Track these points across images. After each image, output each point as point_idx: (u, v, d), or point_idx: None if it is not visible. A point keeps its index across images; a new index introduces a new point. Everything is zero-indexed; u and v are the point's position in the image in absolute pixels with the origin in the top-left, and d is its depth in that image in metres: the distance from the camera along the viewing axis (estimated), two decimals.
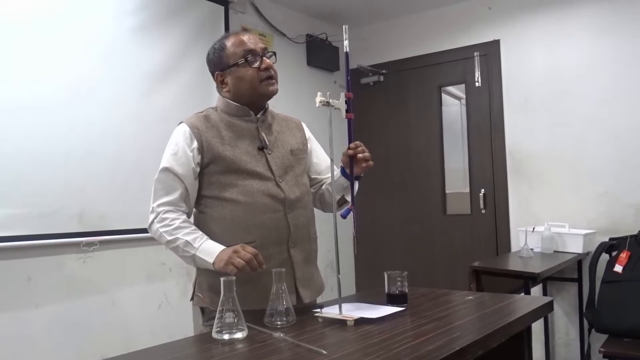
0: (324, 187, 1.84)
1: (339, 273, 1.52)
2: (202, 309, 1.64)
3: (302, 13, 4.02)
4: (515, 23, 3.70)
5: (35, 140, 2.43)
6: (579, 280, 3.41)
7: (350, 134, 1.60)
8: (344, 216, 1.56)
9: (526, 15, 3.66)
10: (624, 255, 2.94)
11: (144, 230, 1.65)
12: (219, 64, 1.67)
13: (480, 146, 3.85)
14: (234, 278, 1.32)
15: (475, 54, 3.82)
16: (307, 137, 1.83)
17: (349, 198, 1.77)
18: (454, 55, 3.95)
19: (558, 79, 3.54)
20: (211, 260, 1.50)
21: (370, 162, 1.62)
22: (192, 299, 1.68)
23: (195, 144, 1.60)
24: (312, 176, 1.83)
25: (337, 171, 1.70)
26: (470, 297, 1.72)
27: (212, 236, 1.57)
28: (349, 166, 1.62)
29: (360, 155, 1.60)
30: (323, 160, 1.86)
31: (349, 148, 1.61)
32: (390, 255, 4.22)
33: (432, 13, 4.04)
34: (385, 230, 4.25)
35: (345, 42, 1.55)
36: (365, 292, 1.92)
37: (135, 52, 2.83)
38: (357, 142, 1.62)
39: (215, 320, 1.30)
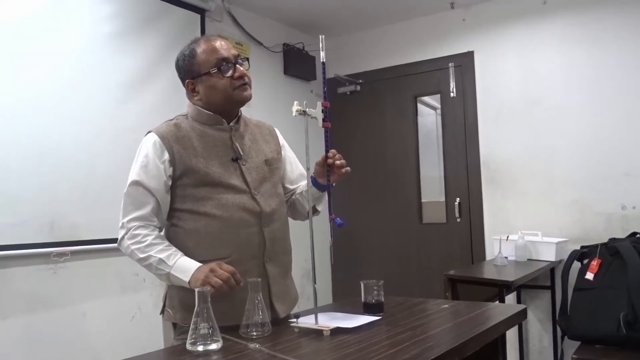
0: (294, 196, 1.82)
1: (315, 283, 1.52)
2: (174, 323, 1.60)
3: (279, 22, 4.03)
4: (489, 34, 3.77)
5: (5, 148, 2.38)
6: (552, 287, 3.46)
7: (327, 143, 1.60)
8: (339, 225, 1.55)
9: (500, 26, 3.73)
10: (595, 263, 3.00)
11: (117, 240, 1.62)
12: (190, 72, 1.62)
13: (456, 155, 3.90)
14: (208, 288, 1.31)
15: (450, 64, 3.88)
16: (281, 144, 1.81)
17: (320, 207, 1.78)
18: (429, 65, 4.00)
19: (531, 90, 3.61)
20: (186, 279, 1.47)
21: (347, 168, 1.63)
22: (162, 312, 1.63)
23: (166, 156, 1.56)
24: (285, 185, 1.82)
25: (306, 181, 1.70)
26: (445, 306, 1.73)
27: (186, 250, 1.54)
28: (327, 175, 1.62)
29: (337, 162, 1.61)
30: (295, 169, 1.84)
31: (327, 157, 1.61)
32: (366, 264, 4.22)
33: (408, 24, 4.09)
34: (362, 240, 4.25)
35: (322, 52, 1.56)
36: (342, 302, 1.92)
37: (110, 60, 2.80)
38: (333, 151, 1.62)
39: (190, 332, 1.28)
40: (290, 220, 1.81)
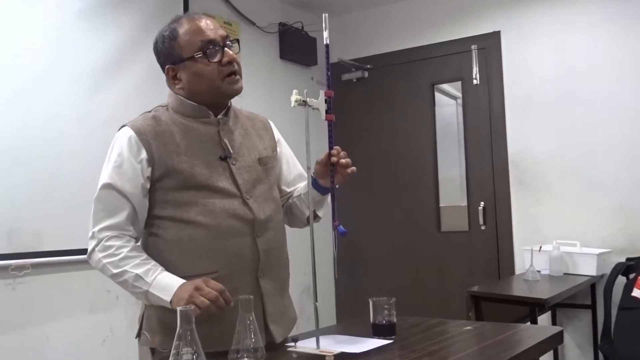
0: (291, 200, 1.82)
1: (316, 300, 1.52)
2: (152, 348, 1.59)
3: None
4: (518, 12, 3.76)
5: None
6: (593, 306, 3.45)
7: (330, 138, 1.60)
8: (342, 233, 1.55)
9: (531, 2, 3.73)
10: None
11: (86, 252, 1.62)
12: (170, 56, 1.61)
13: (479, 153, 3.89)
14: (192, 306, 1.31)
15: (473, 47, 3.87)
16: (276, 139, 1.81)
17: (321, 213, 1.78)
18: (448, 48, 3.99)
19: (567, 77, 3.61)
20: (168, 298, 1.46)
21: (353, 168, 1.63)
22: (138, 335, 1.62)
23: (143, 154, 1.55)
24: (280, 187, 1.81)
25: (305, 182, 1.69)
26: (468, 328, 1.73)
27: (166, 264, 1.53)
28: (330, 175, 1.62)
29: (342, 160, 1.61)
30: (293, 169, 1.84)
31: (330, 154, 1.61)
32: (376, 279, 4.22)
33: (424, 0, 4.09)
34: (371, 251, 4.25)
35: (325, 33, 1.56)
36: (347, 322, 1.92)
37: (80, 42, 2.80)
38: (338, 148, 1.62)
39: (170, 358, 1.28)
40: (286, 228, 1.80)
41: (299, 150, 1.86)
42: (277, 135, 1.83)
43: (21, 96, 2.59)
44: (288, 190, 1.83)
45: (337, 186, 1.66)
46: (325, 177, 1.66)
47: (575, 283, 3.05)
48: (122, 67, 2.97)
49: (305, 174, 1.70)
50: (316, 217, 1.75)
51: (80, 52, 2.81)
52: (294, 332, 1.72)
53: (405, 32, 4.16)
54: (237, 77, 1.62)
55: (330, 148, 1.62)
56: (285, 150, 1.84)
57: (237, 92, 1.64)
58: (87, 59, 2.83)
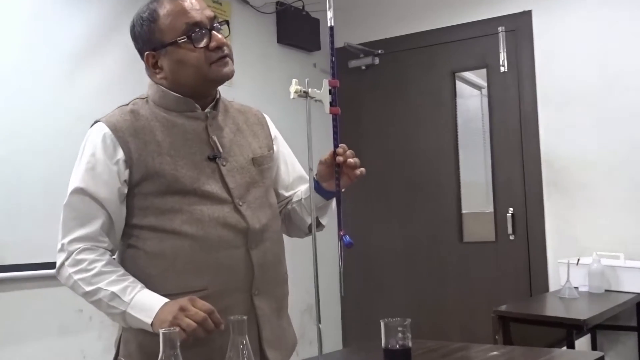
0: (290, 205, 1.82)
1: (319, 322, 1.52)
2: None
3: None
4: None
5: None
6: (639, 329, 3.45)
7: (335, 135, 1.61)
8: (347, 245, 1.55)
9: None
10: None
11: (55, 266, 1.62)
12: (150, 41, 1.61)
13: (508, 151, 3.89)
14: (177, 329, 1.31)
15: (500, 29, 3.87)
16: (272, 136, 1.81)
17: (325, 221, 1.78)
18: (472, 30, 4.00)
19: (610, 63, 3.59)
20: (148, 320, 1.47)
21: (362, 170, 1.63)
22: None
23: (120, 154, 1.56)
24: (278, 191, 1.82)
25: (307, 185, 1.70)
26: (495, 353, 1.73)
27: (147, 281, 1.54)
28: (335, 178, 1.62)
29: (350, 160, 1.61)
30: (292, 170, 1.85)
31: (336, 153, 1.62)
32: (388, 297, 4.22)
33: None
34: (382, 264, 4.25)
35: (329, 13, 1.56)
36: (355, 347, 1.92)
37: (47, 25, 2.81)
38: (344, 146, 1.63)
39: None
40: (285, 238, 1.81)
41: (299, 148, 1.87)
42: (274, 131, 1.84)
43: None
44: (287, 194, 1.83)
45: (343, 190, 1.66)
46: (329, 179, 1.67)
47: (619, 302, 3.04)
48: (96, 54, 2.98)
49: (307, 176, 1.71)
50: (319, 226, 1.76)
51: (48, 36, 2.82)
52: (294, 358, 1.72)
53: (421, 12, 4.16)
54: (227, 59, 1.62)
55: (336, 146, 1.62)
56: (283, 149, 1.84)
57: (228, 76, 1.63)
58: (54, 45, 2.84)
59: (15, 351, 2.68)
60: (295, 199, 1.82)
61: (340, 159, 1.61)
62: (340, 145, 1.62)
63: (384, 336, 1.62)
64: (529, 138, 3.82)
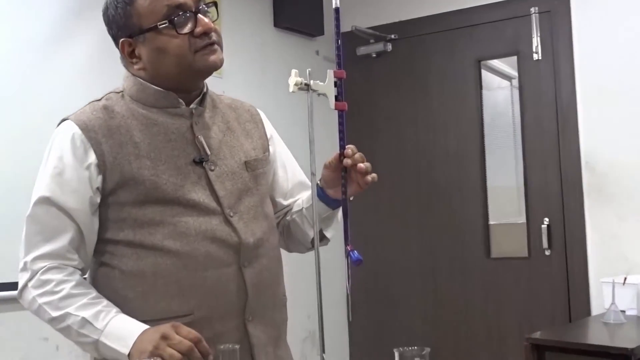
0: (290, 216, 1.82)
1: (323, 351, 1.52)
2: None
3: None
4: None
5: None
6: None
7: (341, 134, 1.60)
8: (355, 261, 1.54)
9: None
10: None
11: (17, 287, 1.62)
12: (126, 27, 1.61)
13: (542, 152, 3.88)
14: None
15: (533, 10, 3.87)
16: (268, 135, 1.82)
17: (330, 234, 1.78)
18: (500, 12, 3.99)
19: None
20: (125, 350, 1.47)
21: (373, 175, 1.63)
22: None
23: (91, 158, 1.56)
24: (275, 199, 1.82)
25: (309, 193, 1.70)
26: None
27: (123, 304, 1.54)
28: (342, 184, 1.62)
29: (361, 165, 1.61)
30: (291, 175, 1.85)
31: (342, 155, 1.61)
32: (403, 322, 4.21)
33: None
34: (396, 284, 4.24)
35: None
36: None
37: (10, 7, 2.81)
38: (352, 147, 1.62)
39: None
40: (283, 253, 1.81)
41: (299, 150, 1.87)
42: (270, 130, 1.84)
43: None
44: (285, 203, 1.84)
45: (351, 198, 1.65)
46: (335, 186, 1.66)
47: None
48: (63, 44, 2.98)
49: (309, 182, 1.70)
50: (323, 239, 1.76)
51: (11, 22, 2.82)
52: None
53: None
54: (215, 47, 1.63)
55: (342, 147, 1.62)
56: (280, 150, 1.85)
57: (216, 66, 1.64)
58: (17, 32, 2.84)
59: None
60: (295, 208, 1.82)
61: (348, 162, 1.60)
62: (347, 146, 1.62)
63: None
64: (567, 137, 3.81)
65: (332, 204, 1.71)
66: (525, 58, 3.95)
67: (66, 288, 1.53)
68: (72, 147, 1.57)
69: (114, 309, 1.52)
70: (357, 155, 1.62)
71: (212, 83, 1.73)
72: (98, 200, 1.58)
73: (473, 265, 4.07)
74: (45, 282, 1.53)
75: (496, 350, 3.92)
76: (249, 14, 3.91)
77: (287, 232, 1.84)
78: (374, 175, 1.63)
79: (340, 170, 1.63)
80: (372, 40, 4.32)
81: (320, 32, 4.25)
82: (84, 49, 3.02)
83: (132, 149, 1.58)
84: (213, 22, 1.63)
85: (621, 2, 3.69)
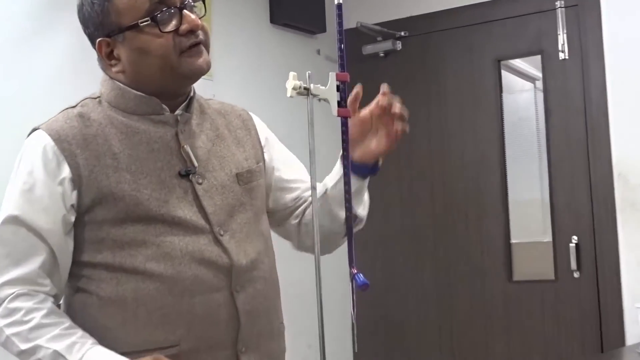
0: (308, 210, 1.79)
1: None
2: None
3: None
4: None
5: None
6: None
7: (345, 143, 1.60)
8: (361, 286, 1.52)
9: None
10: None
11: None
12: (103, 25, 1.61)
13: (570, 163, 3.88)
14: None
15: (558, 3, 3.87)
16: (262, 141, 1.82)
17: (363, 211, 1.76)
18: (522, 7, 4.01)
19: None
20: None
21: (405, 125, 1.68)
22: None
23: (65, 172, 1.56)
24: (280, 201, 1.82)
25: (335, 172, 1.72)
26: None
27: (101, 335, 1.54)
28: (343, 156, 1.61)
29: (396, 110, 1.66)
30: (297, 168, 1.86)
31: (346, 158, 1.60)
32: (415, 352, 4.21)
33: None
34: (407, 310, 4.25)
35: None
36: None
37: None
38: (385, 86, 1.67)
39: None
40: (281, 275, 1.80)
41: (298, 158, 1.87)
42: (264, 132, 1.85)
43: None
44: (291, 201, 1.83)
45: (380, 162, 1.69)
46: (363, 144, 1.69)
47: None
48: (40, 39, 2.99)
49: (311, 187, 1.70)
50: (357, 220, 1.73)
51: None
52: None
53: None
54: (201, 48, 1.63)
55: (346, 158, 1.61)
56: (278, 154, 1.86)
57: (202, 70, 1.64)
58: None
59: None
60: (309, 199, 1.80)
61: (384, 100, 1.66)
62: (383, 87, 1.67)
63: None
64: (598, 145, 3.81)
65: (359, 170, 1.70)
66: (550, 57, 3.96)
67: (37, 317, 1.52)
68: (44, 159, 1.57)
69: (90, 340, 1.52)
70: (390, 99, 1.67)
71: (201, 86, 1.74)
72: (73, 218, 1.58)
73: (493, 290, 4.07)
74: (14, 311, 1.53)
75: None
76: (242, 9, 3.91)
77: (299, 230, 1.83)
78: (404, 125, 1.68)
79: (368, 122, 1.69)
80: (379, 38, 4.33)
81: (322, 29, 4.26)
82: (58, 51, 3.03)
83: (111, 161, 1.58)
84: (200, 18, 1.64)
85: None
